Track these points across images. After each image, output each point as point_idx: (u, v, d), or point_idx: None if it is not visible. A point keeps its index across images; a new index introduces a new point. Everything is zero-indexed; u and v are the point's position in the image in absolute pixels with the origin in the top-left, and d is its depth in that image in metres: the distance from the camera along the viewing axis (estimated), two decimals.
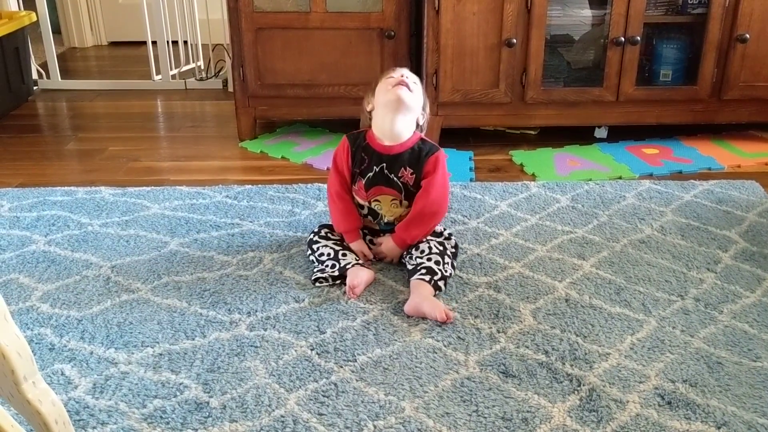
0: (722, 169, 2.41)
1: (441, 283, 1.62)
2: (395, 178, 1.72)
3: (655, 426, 1.25)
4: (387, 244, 1.76)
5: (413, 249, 1.73)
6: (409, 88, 1.69)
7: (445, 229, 1.81)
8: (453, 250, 1.74)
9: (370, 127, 1.77)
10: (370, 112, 1.77)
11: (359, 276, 1.65)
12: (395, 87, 1.69)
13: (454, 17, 2.42)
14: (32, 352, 0.97)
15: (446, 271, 1.65)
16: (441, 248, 1.71)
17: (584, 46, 2.70)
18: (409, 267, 1.68)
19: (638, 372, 1.38)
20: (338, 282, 1.68)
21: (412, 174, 1.72)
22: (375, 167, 1.73)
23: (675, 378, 1.36)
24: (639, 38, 2.45)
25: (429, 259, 1.67)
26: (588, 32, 2.68)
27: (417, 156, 1.72)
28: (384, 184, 1.73)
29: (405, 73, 1.73)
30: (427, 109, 1.79)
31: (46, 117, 3.16)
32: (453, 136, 2.63)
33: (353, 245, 1.77)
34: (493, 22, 2.43)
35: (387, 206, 1.75)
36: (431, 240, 1.74)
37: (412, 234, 1.72)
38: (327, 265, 1.69)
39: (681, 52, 2.59)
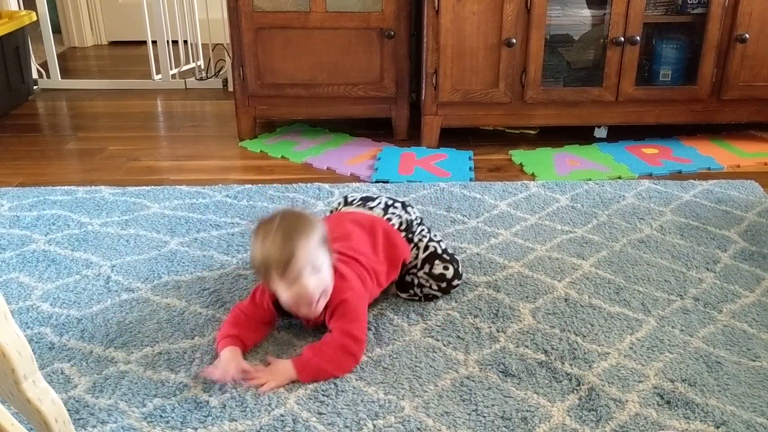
0: (722, 168, 2.41)
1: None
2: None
3: (654, 425, 1.25)
4: (279, 366, 1.38)
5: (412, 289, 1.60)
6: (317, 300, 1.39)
7: (455, 277, 1.61)
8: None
9: None
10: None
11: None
12: (308, 307, 1.39)
13: (453, 17, 2.42)
14: (32, 351, 0.97)
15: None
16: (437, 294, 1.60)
17: (584, 46, 2.70)
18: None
19: (637, 371, 1.38)
20: None
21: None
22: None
23: (674, 377, 1.37)
24: (638, 38, 2.45)
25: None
26: (588, 32, 2.68)
27: (330, 313, 1.43)
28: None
29: (309, 285, 1.36)
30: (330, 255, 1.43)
31: (46, 116, 3.16)
32: (453, 136, 2.63)
33: (224, 352, 1.37)
34: (493, 22, 2.43)
35: None
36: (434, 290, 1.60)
37: (321, 365, 1.36)
38: None
39: (680, 52, 2.59)
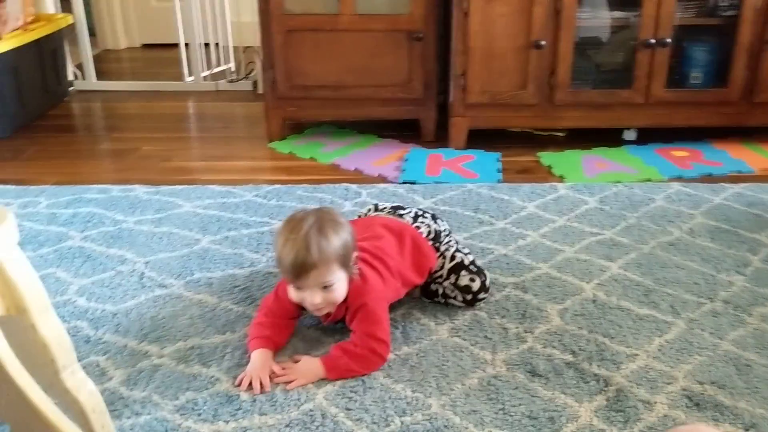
0: (752, 172, 2.39)
1: None
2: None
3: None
4: (307, 364, 1.40)
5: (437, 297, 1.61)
6: (323, 312, 1.43)
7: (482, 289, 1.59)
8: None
9: None
10: None
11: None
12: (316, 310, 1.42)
13: (482, 19, 2.43)
14: None
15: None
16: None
17: (613, 48, 2.69)
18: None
19: (666, 373, 1.38)
20: None
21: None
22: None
23: (703, 380, 1.36)
24: (669, 40, 2.44)
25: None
26: (617, 34, 2.67)
27: (351, 316, 1.45)
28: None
29: (316, 300, 1.38)
30: (354, 254, 1.42)
31: (82, 117, 3.23)
32: (481, 138, 2.63)
33: (255, 354, 1.40)
34: (522, 24, 2.44)
35: None
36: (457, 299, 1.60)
37: (349, 366, 1.39)
38: None
39: (711, 55, 2.57)
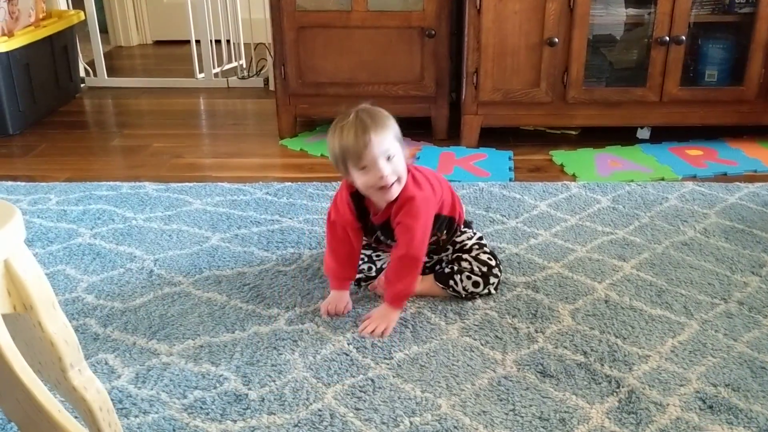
0: None
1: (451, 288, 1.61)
2: (391, 242, 1.59)
3: (696, 430, 1.23)
4: (378, 311, 1.55)
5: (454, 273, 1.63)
6: (391, 185, 1.48)
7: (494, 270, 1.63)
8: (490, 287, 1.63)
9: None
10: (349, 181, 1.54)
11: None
12: (381, 191, 1.48)
13: (495, 16, 2.41)
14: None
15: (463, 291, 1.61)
16: (481, 280, 1.62)
17: (627, 46, 2.67)
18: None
19: (679, 375, 1.36)
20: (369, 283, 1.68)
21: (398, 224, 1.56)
22: (375, 232, 1.61)
23: (717, 382, 1.34)
24: (684, 38, 2.41)
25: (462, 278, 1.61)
26: (631, 31, 2.64)
27: (397, 209, 1.53)
28: (385, 247, 1.66)
29: (384, 170, 1.45)
30: (405, 150, 1.53)
31: (93, 113, 3.23)
32: (493, 136, 2.61)
33: (334, 293, 1.59)
34: (535, 21, 2.42)
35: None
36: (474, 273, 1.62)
37: (397, 289, 1.52)
38: (363, 268, 1.68)
39: (727, 52, 2.54)
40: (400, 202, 1.51)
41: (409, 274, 1.52)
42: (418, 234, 1.51)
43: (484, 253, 1.64)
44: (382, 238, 1.61)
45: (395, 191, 1.49)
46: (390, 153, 1.46)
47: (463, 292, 1.60)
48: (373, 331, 1.50)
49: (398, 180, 1.48)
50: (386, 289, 1.55)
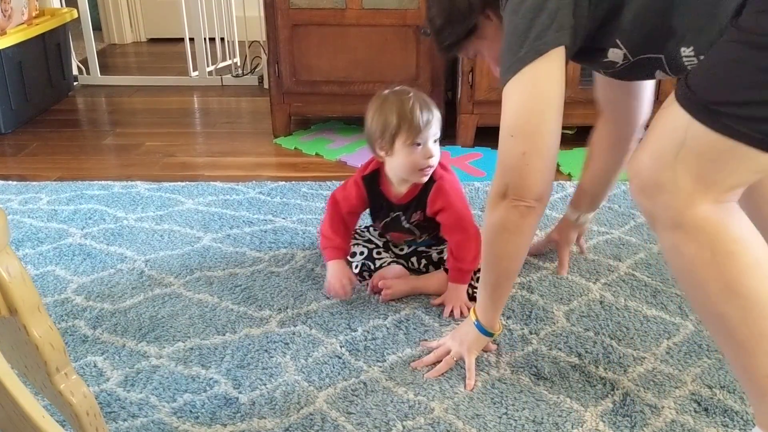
0: None
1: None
2: (409, 225, 1.64)
3: None
4: (448, 293, 1.57)
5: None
6: (431, 165, 1.53)
7: None
8: None
9: (381, 163, 1.60)
10: (382, 155, 1.57)
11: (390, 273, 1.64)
12: (420, 172, 1.53)
13: None
14: (65, 343, 0.98)
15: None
16: None
17: None
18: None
19: (674, 377, 1.35)
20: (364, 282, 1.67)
21: (421, 213, 1.61)
22: (391, 213, 1.64)
23: (712, 383, 1.33)
24: None
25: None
26: None
27: (421, 194, 1.59)
28: (400, 231, 1.67)
29: (434, 151, 1.51)
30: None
31: (86, 112, 3.21)
32: (489, 135, 2.59)
33: (334, 264, 1.59)
34: None
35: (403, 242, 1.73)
36: None
37: (464, 266, 1.55)
38: (355, 266, 1.68)
39: None
40: (436, 189, 1.56)
41: (470, 250, 1.55)
42: (465, 213, 1.57)
43: None
44: (403, 220, 1.63)
45: (428, 175, 1.54)
46: (438, 136, 1.52)
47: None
48: (452, 311, 1.54)
49: (437, 160, 1.54)
50: (451, 269, 1.57)
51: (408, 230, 1.66)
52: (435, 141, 1.51)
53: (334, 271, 1.58)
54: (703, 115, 0.94)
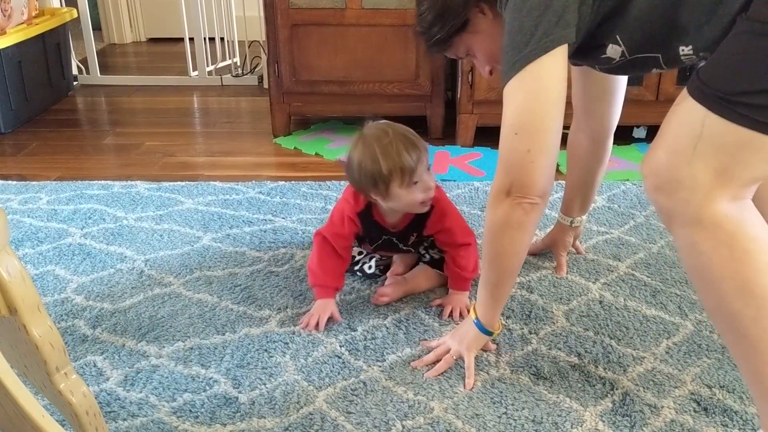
0: None
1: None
2: (403, 246, 1.63)
3: None
4: (450, 297, 1.58)
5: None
6: (429, 197, 1.50)
7: None
8: None
9: (372, 203, 1.55)
10: (378, 199, 1.51)
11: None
12: (422, 205, 1.49)
13: None
14: (65, 343, 0.98)
15: None
16: None
17: None
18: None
19: (674, 376, 1.35)
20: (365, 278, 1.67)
21: (416, 236, 1.60)
22: (384, 237, 1.60)
23: (712, 383, 1.33)
24: None
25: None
26: None
27: (419, 219, 1.56)
28: (393, 250, 1.65)
29: (431, 183, 1.48)
30: None
31: (85, 112, 3.21)
32: (488, 135, 2.59)
33: (320, 302, 1.53)
34: None
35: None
36: None
37: (464, 276, 1.57)
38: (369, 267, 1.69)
39: None
40: (439, 213, 1.55)
41: (469, 260, 1.57)
42: (466, 229, 1.60)
43: None
44: (399, 244, 1.61)
45: (432, 196, 1.50)
46: (429, 164, 1.48)
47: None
48: (451, 312, 1.55)
49: (433, 192, 1.50)
50: (451, 276, 1.59)
51: (402, 250, 1.65)
52: (428, 169, 1.47)
53: (319, 307, 1.52)
54: (718, 106, 0.94)
